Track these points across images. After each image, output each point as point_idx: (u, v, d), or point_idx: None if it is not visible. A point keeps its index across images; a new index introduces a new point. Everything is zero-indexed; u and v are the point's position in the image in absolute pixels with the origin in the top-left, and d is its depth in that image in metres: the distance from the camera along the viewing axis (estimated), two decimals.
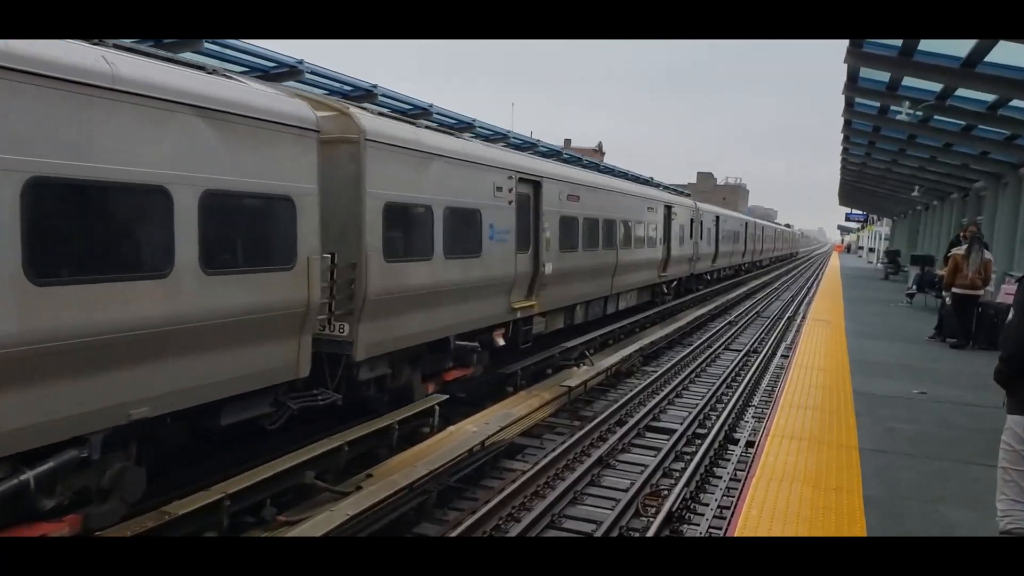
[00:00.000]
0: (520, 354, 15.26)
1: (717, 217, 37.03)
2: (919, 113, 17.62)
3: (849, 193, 54.86)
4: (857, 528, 6.45)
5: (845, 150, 30.55)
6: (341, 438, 9.30)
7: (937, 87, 16.48)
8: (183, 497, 7.36)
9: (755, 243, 54.87)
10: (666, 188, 34.22)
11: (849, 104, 20.66)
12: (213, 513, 7.37)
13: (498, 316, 13.56)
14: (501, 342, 13.78)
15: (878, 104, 19.50)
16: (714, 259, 36.70)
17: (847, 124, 23.83)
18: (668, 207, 26.00)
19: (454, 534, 7.98)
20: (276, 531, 7.49)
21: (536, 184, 14.46)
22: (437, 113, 15.68)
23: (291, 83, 11.35)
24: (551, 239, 15.25)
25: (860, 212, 71.92)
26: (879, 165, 32.59)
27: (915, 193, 34.86)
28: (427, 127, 11.93)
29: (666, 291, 27.55)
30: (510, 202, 13.25)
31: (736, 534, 6.34)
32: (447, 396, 11.72)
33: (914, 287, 25.67)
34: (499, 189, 12.95)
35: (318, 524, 7.45)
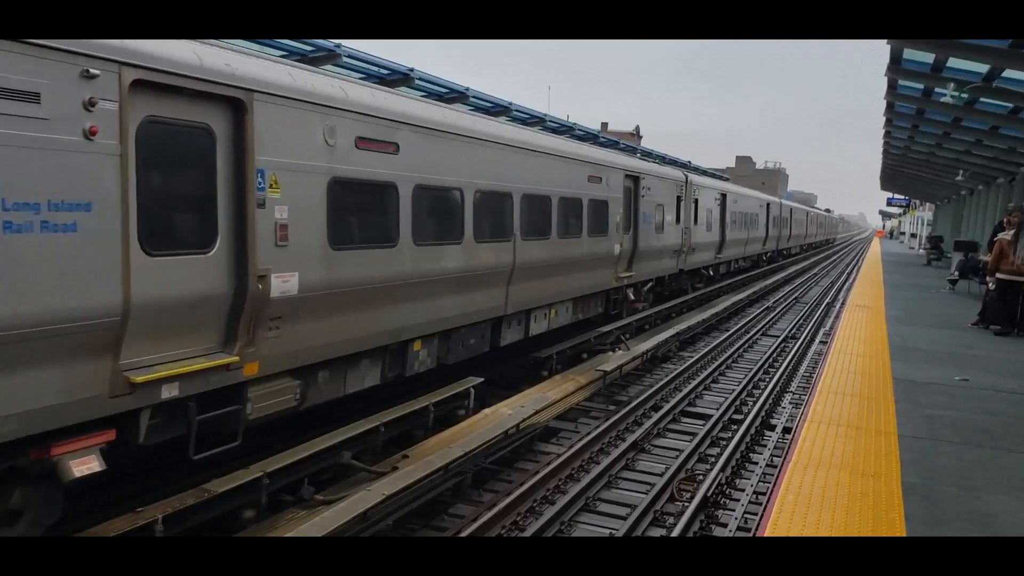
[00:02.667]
0: (556, 338, 15.30)
1: (723, 195, 29.00)
2: (964, 95, 17.26)
3: (891, 178, 53.96)
4: (895, 515, 6.38)
5: (887, 133, 30.06)
6: (378, 419, 9.40)
7: (984, 68, 16.12)
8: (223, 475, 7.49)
9: (781, 228, 46.51)
10: (705, 172, 33.60)
11: (892, 86, 20.31)
12: (252, 491, 7.50)
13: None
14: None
15: (922, 86, 19.16)
16: (720, 249, 29.03)
17: (890, 107, 23.44)
18: (635, 178, 18.49)
19: (489, 515, 8.04)
20: (313, 510, 7.60)
21: None
22: (474, 96, 15.63)
23: (329, 66, 11.39)
24: None
25: (902, 197, 70.71)
26: (922, 149, 32.02)
27: (959, 177, 34.19)
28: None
29: (634, 296, 19.52)
30: None
31: (772, 519, 6.30)
32: (482, 379, 11.78)
33: (957, 273, 25.21)
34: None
35: (355, 503, 7.55)
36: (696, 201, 24.37)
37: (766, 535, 5.97)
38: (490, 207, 11.75)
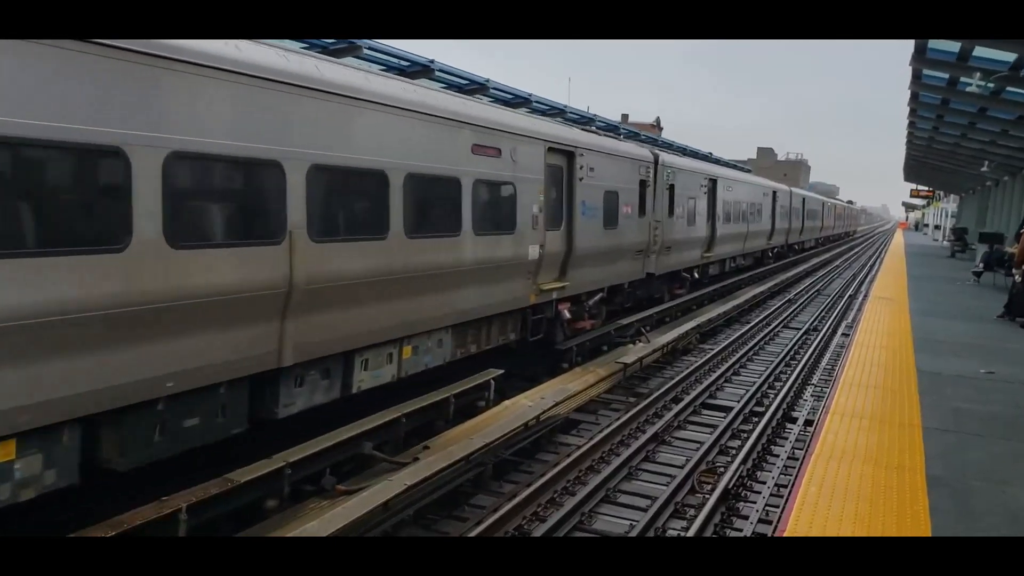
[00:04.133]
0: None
1: (712, 181, 23.90)
2: (991, 84, 17.04)
3: (915, 169, 53.42)
4: (919, 508, 6.33)
5: (912, 124, 29.73)
6: (398, 410, 9.43)
7: (1010, 57, 15.88)
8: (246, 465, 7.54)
9: (791, 220, 40.93)
10: (727, 164, 33.34)
11: (916, 76, 20.07)
12: (275, 481, 7.55)
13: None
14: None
15: (947, 76, 18.92)
16: (709, 246, 24.16)
17: (914, 97, 23.17)
18: (567, 153, 13.55)
19: (509, 506, 8.05)
20: (335, 500, 7.64)
21: None
22: (494, 88, 15.62)
23: (349, 59, 11.42)
24: None
25: (926, 188, 70.00)
26: (947, 140, 31.66)
27: (984, 168, 33.78)
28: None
29: (572, 313, 14.36)
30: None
31: (794, 511, 6.27)
32: (503, 371, 11.79)
33: (981, 265, 24.95)
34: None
35: (376, 493, 7.58)
36: (672, 187, 19.48)
37: (788, 527, 5.94)
38: (231, 187, 7.27)
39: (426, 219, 9.68)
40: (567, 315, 14.09)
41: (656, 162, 18.32)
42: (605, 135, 17.29)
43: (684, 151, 28.26)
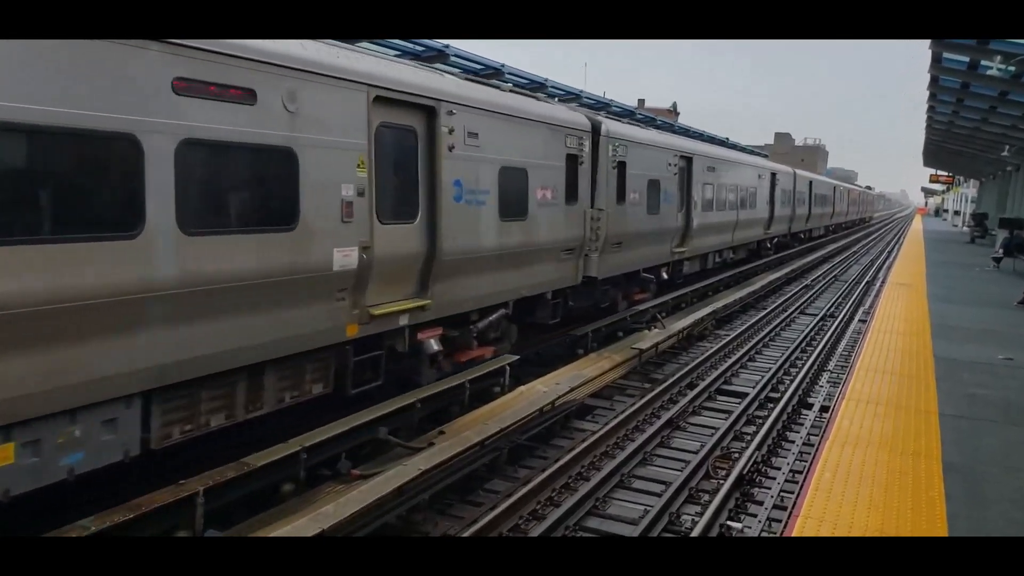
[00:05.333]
0: (592, 316, 15.27)
1: (687, 160, 19.47)
2: (1012, 68, 16.81)
3: (934, 154, 52.93)
4: (935, 493, 6.31)
5: (931, 108, 29.44)
6: (414, 395, 9.47)
7: None
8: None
9: (795, 206, 35.63)
10: (742, 149, 33.07)
11: (936, 60, 19.85)
12: (291, 465, 7.61)
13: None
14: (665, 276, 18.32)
15: (967, 59, 18.68)
16: (683, 239, 19.72)
17: (934, 81, 22.94)
18: (426, 109, 9.51)
19: (524, 491, 8.08)
20: (350, 484, 7.69)
21: None
22: (509, 73, 15.57)
23: (364, 43, 11.41)
24: None
25: (945, 174, 69.34)
26: (967, 124, 31.33)
27: (1005, 153, 33.41)
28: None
29: (440, 346, 10.30)
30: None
31: (808, 496, 6.27)
32: (518, 357, 11.81)
33: (1001, 251, 24.72)
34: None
35: (391, 478, 7.63)
36: (621, 165, 15.04)
37: (802, 511, 5.94)
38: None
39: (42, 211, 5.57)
40: (435, 347, 10.09)
41: (596, 132, 14.10)
42: (516, 93, 12.56)
43: (700, 136, 28.03)
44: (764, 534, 7.58)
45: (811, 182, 40.44)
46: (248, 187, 7.22)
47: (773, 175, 30.48)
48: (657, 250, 17.87)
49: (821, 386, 13.26)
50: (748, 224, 26.51)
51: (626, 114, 21.52)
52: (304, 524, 6.42)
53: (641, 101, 70.09)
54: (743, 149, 33.24)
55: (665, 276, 18.94)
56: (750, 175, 26.63)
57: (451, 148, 9.76)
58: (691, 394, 12.18)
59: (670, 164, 18.01)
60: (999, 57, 16.59)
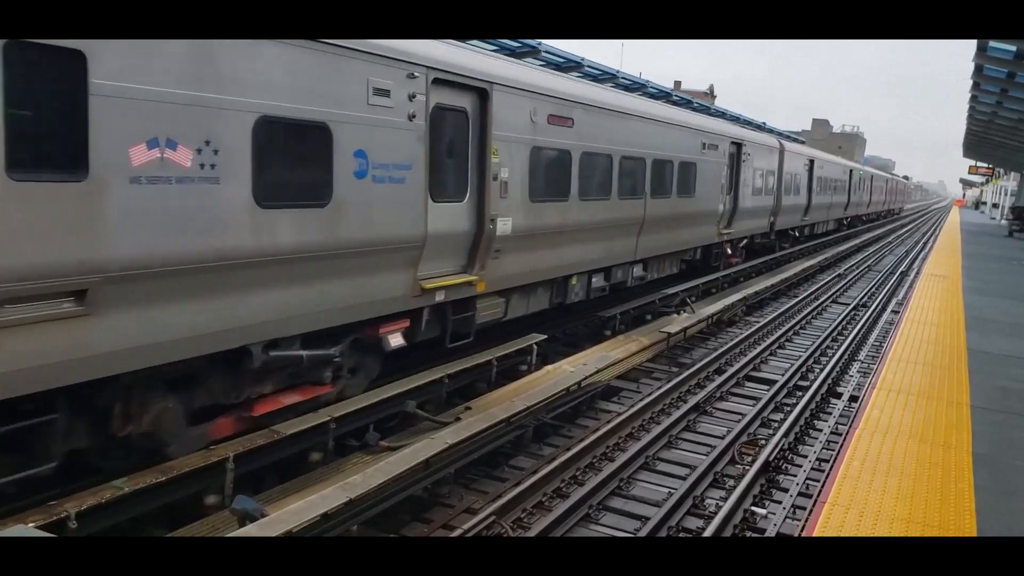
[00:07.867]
0: (620, 298, 15.25)
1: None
2: None
3: (974, 145, 51.87)
4: (964, 485, 6.26)
5: (974, 98, 28.83)
6: (442, 370, 9.54)
7: None
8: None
9: (794, 192, 27.22)
10: (780, 135, 32.59)
11: (982, 48, 19.41)
12: (319, 434, 7.71)
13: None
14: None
15: (1014, 48, 18.24)
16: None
17: (978, 70, 22.43)
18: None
19: (548, 469, 8.11)
20: (378, 455, 7.78)
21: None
22: (546, 52, 15.51)
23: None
24: None
25: (985, 165, 68.05)
26: (1011, 115, 30.64)
27: None
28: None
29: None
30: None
31: (836, 484, 6.25)
32: (545, 336, 11.83)
33: None
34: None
35: (418, 451, 7.69)
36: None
37: (829, 499, 5.92)
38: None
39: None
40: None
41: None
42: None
43: (737, 120, 27.73)
44: (788, 520, 7.56)
45: (817, 162, 30.81)
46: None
47: (781, 150, 23.64)
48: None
49: (851, 376, 13.15)
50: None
51: (662, 95, 21.35)
52: (332, 493, 6.49)
53: (677, 83, 69.41)
54: (779, 134, 32.10)
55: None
56: (715, 155, 18.11)
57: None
58: (719, 379, 12.14)
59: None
60: None
